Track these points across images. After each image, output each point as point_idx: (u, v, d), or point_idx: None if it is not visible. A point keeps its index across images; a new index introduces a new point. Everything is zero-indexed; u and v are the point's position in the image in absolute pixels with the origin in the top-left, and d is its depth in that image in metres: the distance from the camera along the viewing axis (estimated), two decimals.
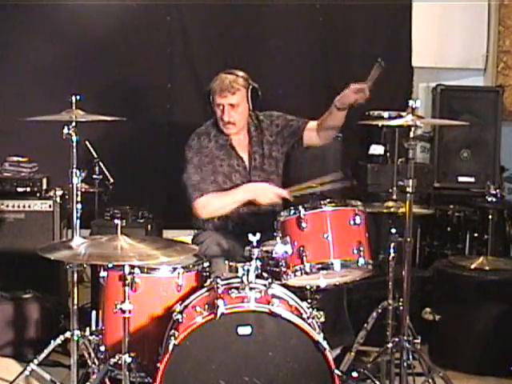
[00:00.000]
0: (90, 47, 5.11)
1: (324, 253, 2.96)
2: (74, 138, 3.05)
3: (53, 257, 2.51)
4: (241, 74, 3.58)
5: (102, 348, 3.06)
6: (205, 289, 2.94)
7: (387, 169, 4.70)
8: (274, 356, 2.62)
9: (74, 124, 3.05)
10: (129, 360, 2.66)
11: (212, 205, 3.52)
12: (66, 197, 4.23)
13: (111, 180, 4.56)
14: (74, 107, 3.14)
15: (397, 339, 3.15)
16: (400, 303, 3.22)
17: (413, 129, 3.05)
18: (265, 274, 2.89)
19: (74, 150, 3.06)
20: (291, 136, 3.70)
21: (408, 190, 3.05)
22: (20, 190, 4.29)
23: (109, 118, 3.28)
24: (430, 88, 5.36)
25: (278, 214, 3.09)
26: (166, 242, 2.81)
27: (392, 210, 3.43)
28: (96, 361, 3.05)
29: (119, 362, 2.68)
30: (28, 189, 4.30)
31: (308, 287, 3.11)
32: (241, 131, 3.65)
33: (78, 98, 3.15)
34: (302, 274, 2.95)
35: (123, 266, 2.62)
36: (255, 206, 3.55)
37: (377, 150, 4.87)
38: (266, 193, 3.50)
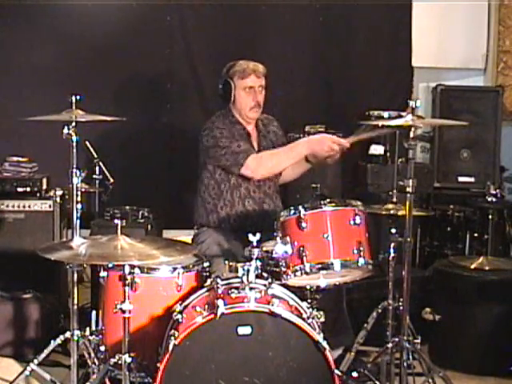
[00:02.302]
0: (89, 47, 5.11)
1: (324, 253, 2.96)
2: (74, 138, 3.05)
3: (53, 257, 2.51)
4: None
5: (102, 348, 3.06)
6: (205, 289, 2.94)
7: (387, 169, 4.70)
8: (274, 356, 2.62)
9: (74, 124, 3.05)
10: (129, 360, 2.66)
11: (266, 162, 3.50)
12: (66, 197, 4.23)
13: (111, 180, 4.56)
14: (73, 107, 3.14)
15: (397, 339, 3.15)
16: (400, 303, 3.22)
17: (413, 129, 3.05)
18: (265, 274, 2.89)
19: (74, 150, 3.06)
20: None
21: (408, 190, 3.05)
22: (20, 189, 4.29)
23: (109, 118, 3.28)
24: (430, 88, 5.36)
25: (278, 214, 3.09)
26: (165, 242, 2.81)
27: (391, 212, 3.44)
28: (96, 361, 3.05)
29: (119, 362, 2.68)
30: (28, 189, 4.29)
31: (308, 287, 3.11)
32: (253, 121, 3.66)
33: (78, 98, 3.15)
34: (302, 273, 2.95)
35: (123, 265, 2.62)
36: (265, 197, 3.59)
37: (377, 149, 4.87)
38: (323, 143, 3.44)
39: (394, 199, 3.56)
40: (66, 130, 3.04)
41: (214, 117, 3.66)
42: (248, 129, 3.65)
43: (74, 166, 3.07)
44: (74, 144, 3.06)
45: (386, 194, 3.91)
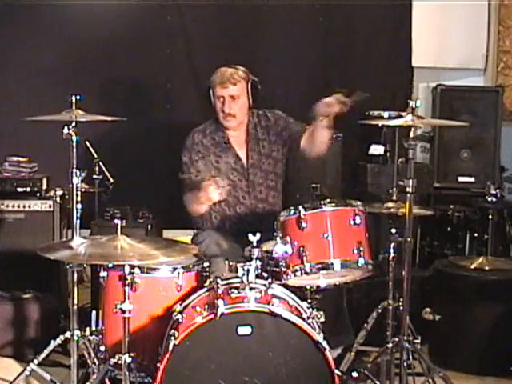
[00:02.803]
0: (90, 47, 5.11)
1: (324, 253, 2.96)
2: (74, 138, 3.05)
3: (53, 257, 2.51)
4: (241, 67, 3.62)
5: (102, 348, 3.06)
6: (205, 289, 2.94)
7: (387, 169, 4.70)
8: (274, 356, 2.62)
9: (74, 124, 3.05)
10: (129, 360, 2.66)
11: (188, 204, 3.55)
12: (66, 197, 4.23)
13: (111, 180, 4.56)
14: (73, 107, 3.14)
15: (397, 339, 3.15)
16: (400, 303, 3.22)
17: (413, 129, 3.05)
18: (265, 274, 2.89)
19: (74, 150, 3.06)
20: (290, 139, 3.71)
21: (408, 190, 3.05)
22: (20, 190, 4.29)
23: (109, 118, 3.28)
24: (430, 88, 5.36)
25: (277, 214, 3.09)
26: (165, 242, 2.81)
27: (392, 210, 3.44)
28: (96, 361, 3.05)
29: (119, 361, 2.68)
30: (28, 189, 4.29)
31: (308, 287, 3.11)
32: (240, 127, 3.65)
33: (78, 98, 3.15)
34: (302, 273, 2.95)
35: (123, 265, 2.62)
36: (250, 205, 3.60)
37: (377, 149, 4.87)
38: (206, 193, 3.36)
39: (394, 197, 3.56)
40: (66, 130, 3.04)
41: (202, 124, 3.70)
42: (231, 136, 3.64)
43: (74, 166, 3.07)
44: (74, 144, 3.06)
45: (385, 193, 3.91)
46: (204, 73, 5.21)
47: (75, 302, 3.10)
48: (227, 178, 3.56)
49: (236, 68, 3.60)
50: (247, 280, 2.71)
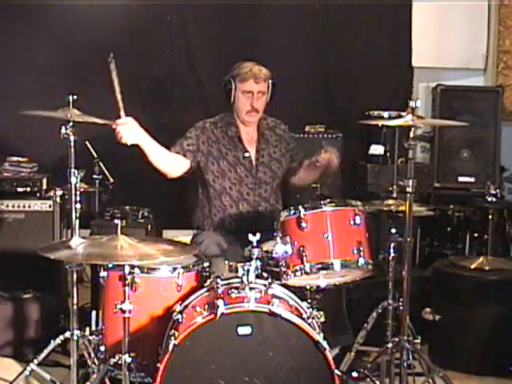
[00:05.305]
0: (89, 47, 5.10)
1: (324, 253, 2.96)
2: (72, 138, 3.06)
3: (53, 256, 2.51)
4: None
5: (102, 348, 3.06)
6: (205, 289, 2.94)
7: (387, 169, 4.70)
8: (274, 356, 2.62)
9: (71, 124, 3.05)
10: (129, 360, 2.66)
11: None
12: (66, 197, 4.23)
13: (111, 180, 4.56)
14: (70, 106, 3.14)
15: (397, 339, 3.15)
16: (400, 303, 3.22)
17: (413, 129, 3.05)
18: (265, 274, 2.89)
19: (72, 150, 3.06)
20: (293, 161, 3.79)
21: (408, 190, 3.05)
22: (20, 190, 4.29)
23: (108, 122, 3.28)
24: (429, 88, 5.36)
25: (278, 214, 3.09)
26: (165, 242, 2.80)
27: (392, 207, 3.44)
28: (96, 361, 3.05)
29: (119, 362, 2.68)
30: (28, 189, 4.30)
31: (308, 287, 3.11)
32: (254, 124, 3.66)
33: (75, 97, 3.15)
34: (302, 274, 2.94)
35: (123, 265, 2.62)
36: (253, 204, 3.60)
37: (377, 149, 4.88)
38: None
39: (394, 194, 3.57)
40: (63, 130, 3.05)
41: (212, 118, 3.68)
42: (243, 132, 3.64)
43: (73, 165, 3.07)
44: (72, 144, 3.06)
45: (385, 193, 3.92)
46: (204, 73, 5.25)
47: (75, 301, 3.10)
48: (234, 170, 3.58)
49: (259, 64, 3.60)
50: (247, 280, 2.71)
